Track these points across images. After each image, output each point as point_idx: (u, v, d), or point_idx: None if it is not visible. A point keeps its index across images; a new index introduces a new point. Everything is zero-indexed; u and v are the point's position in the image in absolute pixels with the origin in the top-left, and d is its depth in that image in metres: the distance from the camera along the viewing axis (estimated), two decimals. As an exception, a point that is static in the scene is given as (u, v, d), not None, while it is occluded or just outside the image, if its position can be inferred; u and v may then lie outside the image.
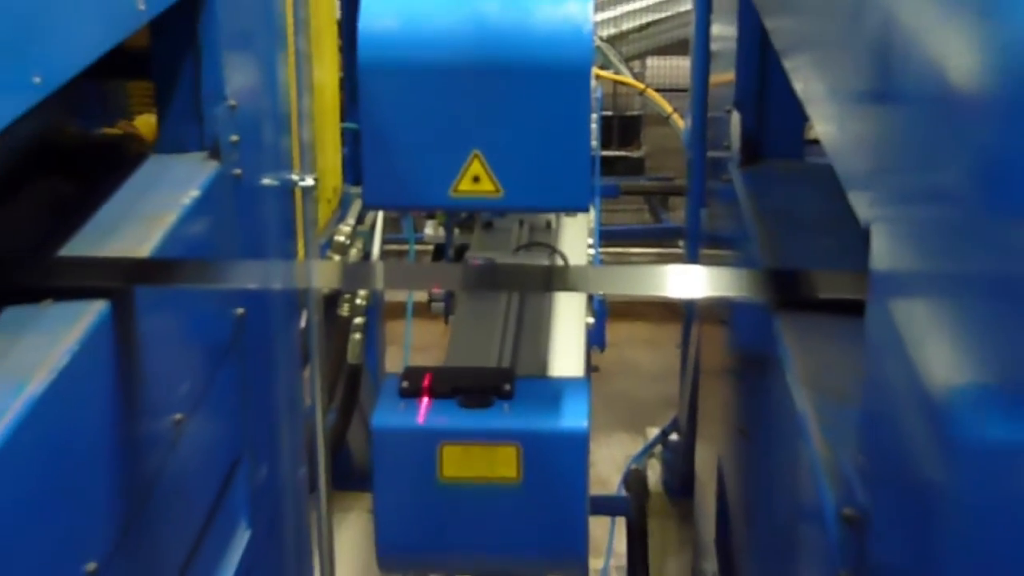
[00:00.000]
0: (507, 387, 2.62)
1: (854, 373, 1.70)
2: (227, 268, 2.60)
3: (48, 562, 1.85)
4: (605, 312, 4.12)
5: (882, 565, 1.53)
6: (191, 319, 2.65)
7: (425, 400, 2.61)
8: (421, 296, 5.43)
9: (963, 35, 1.21)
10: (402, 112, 2.51)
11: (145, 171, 2.70)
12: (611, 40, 9.35)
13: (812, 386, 1.99)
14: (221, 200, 2.77)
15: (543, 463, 2.56)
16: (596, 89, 4.75)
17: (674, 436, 5.97)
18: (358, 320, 4.75)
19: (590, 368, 3.32)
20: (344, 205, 4.86)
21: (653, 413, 6.85)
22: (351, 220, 4.73)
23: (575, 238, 3.96)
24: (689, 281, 2.45)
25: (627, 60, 9.27)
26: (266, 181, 3.26)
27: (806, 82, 2.28)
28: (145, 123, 2.91)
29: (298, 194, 3.57)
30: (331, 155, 4.60)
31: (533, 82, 2.48)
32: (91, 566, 1.96)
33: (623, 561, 5.50)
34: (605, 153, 8.00)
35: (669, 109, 7.54)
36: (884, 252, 1.51)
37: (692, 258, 5.28)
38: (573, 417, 2.58)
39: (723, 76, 3.81)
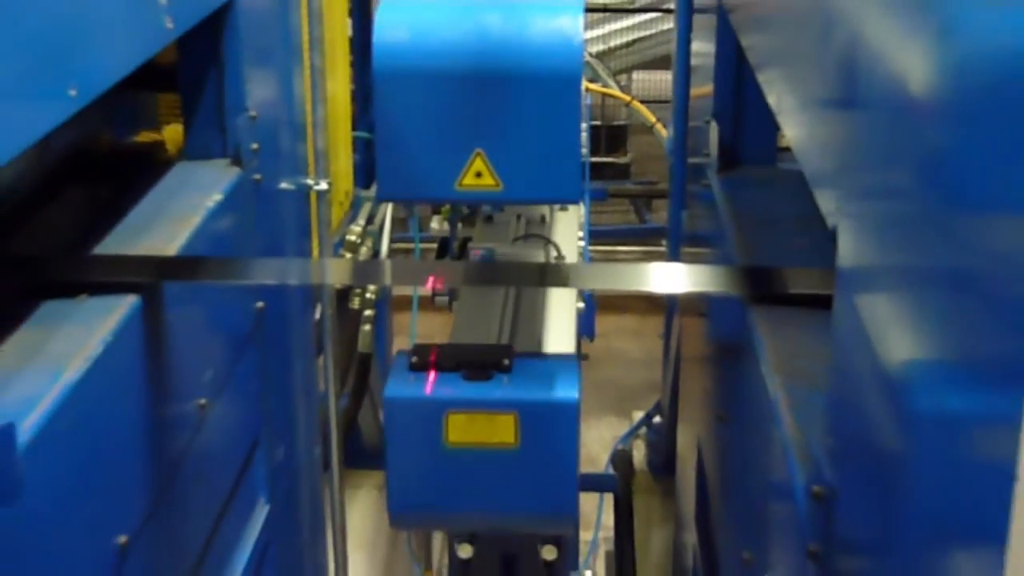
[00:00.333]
0: (506, 362, 2.66)
1: (822, 361, 1.70)
2: (248, 265, 2.59)
3: (84, 535, 1.85)
4: (594, 305, 4.12)
5: (848, 537, 1.53)
6: (215, 312, 2.65)
7: (432, 373, 2.64)
8: (426, 290, 5.43)
9: (919, 52, 1.23)
10: (412, 115, 2.57)
11: (173, 176, 2.70)
12: (600, 56, 9.35)
13: (783, 373, 1.99)
14: (242, 203, 2.77)
15: (538, 430, 2.60)
16: (586, 97, 4.75)
17: (657, 419, 5.96)
18: (368, 312, 4.74)
19: (580, 347, 3.32)
20: (355, 207, 4.85)
21: (638, 398, 6.85)
22: (361, 221, 4.73)
23: (567, 230, 3.99)
24: (671, 277, 2.45)
25: (615, 74, 9.26)
26: (284, 185, 3.26)
27: (778, 95, 2.28)
28: (173, 132, 2.90)
29: (313, 197, 3.56)
30: (343, 161, 4.59)
31: (529, 88, 2.55)
32: (122, 539, 1.96)
33: (611, 534, 5.50)
34: (594, 159, 7.99)
35: (653, 119, 7.52)
36: (849, 250, 1.52)
37: (674, 256, 5.27)
38: (565, 389, 2.62)
39: (702, 89, 3.81)
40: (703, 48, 3.87)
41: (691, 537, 3.66)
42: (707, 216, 3.41)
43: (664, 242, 7.37)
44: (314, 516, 3.67)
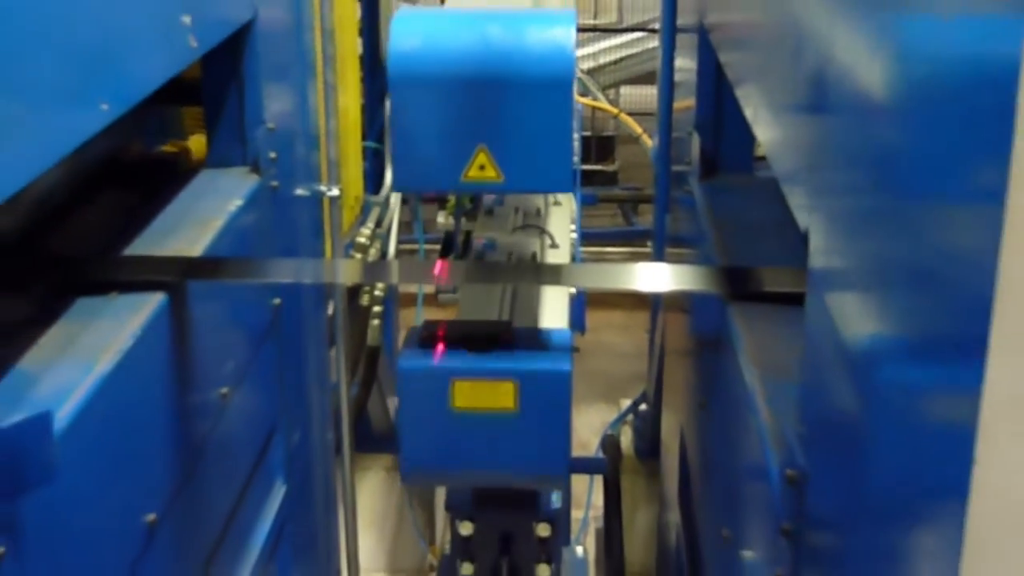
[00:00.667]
0: (507, 336, 2.72)
1: (795, 353, 1.70)
2: (266, 265, 2.60)
3: (115, 514, 1.85)
4: (585, 301, 4.13)
5: (818, 516, 1.54)
6: (235, 308, 2.65)
7: (440, 346, 2.70)
8: (430, 288, 5.43)
9: (879, 66, 1.25)
10: (423, 115, 2.65)
11: (197, 183, 2.70)
12: (591, 72, 9.33)
13: (759, 365, 1.99)
14: (261, 208, 2.77)
15: (535, 396, 2.67)
16: (578, 108, 4.76)
17: (643, 407, 5.96)
18: (376, 308, 4.73)
19: (573, 327, 3.34)
20: (365, 211, 4.84)
21: (626, 387, 6.84)
22: (371, 224, 4.71)
23: (560, 222, 4.05)
24: (656, 277, 2.45)
25: (604, 89, 9.24)
26: (299, 191, 3.26)
27: (754, 107, 2.28)
28: (197, 142, 2.90)
29: (326, 202, 3.57)
30: (353, 169, 4.58)
31: (527, 90, 2.63)
32: (151, 517, 1.97)
33: (600, 513, 5.50)
34: (585, 167, 7.97)
35: (639, 130, 7.51)
36: (820, 252, 1.52)
37: (659, 257, 5.26)
38: (559, 360, 2.70)
39: (685, 103, 3.81)
40: (686, 65, 3.86)
41: (674, 516, 3.66)
42: (689, 220, 3.41)
43: (649, 244, 7.37)
44: (327, 496, 3.67)
